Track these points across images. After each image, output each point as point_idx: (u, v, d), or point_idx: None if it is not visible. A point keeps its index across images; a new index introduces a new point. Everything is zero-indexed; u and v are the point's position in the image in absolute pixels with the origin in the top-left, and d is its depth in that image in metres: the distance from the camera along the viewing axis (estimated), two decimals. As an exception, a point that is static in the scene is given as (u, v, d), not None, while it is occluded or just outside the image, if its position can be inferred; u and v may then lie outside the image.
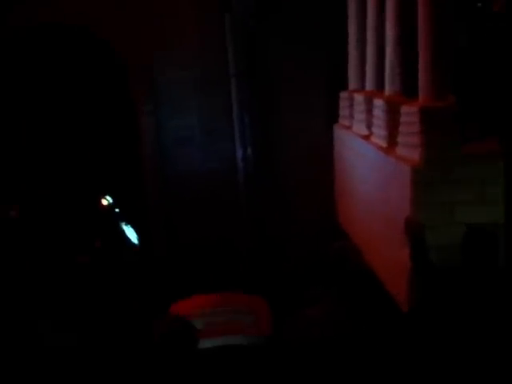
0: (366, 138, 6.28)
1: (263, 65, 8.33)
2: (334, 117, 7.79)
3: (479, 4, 5.65)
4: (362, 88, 6.86)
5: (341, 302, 3.73)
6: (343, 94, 7.49)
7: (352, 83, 7.22)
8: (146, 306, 5.40)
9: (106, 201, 6.14)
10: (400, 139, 5.25)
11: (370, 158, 6.06)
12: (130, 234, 6.19)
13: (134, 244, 6.20)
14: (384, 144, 5.68)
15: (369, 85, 6.48)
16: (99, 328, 4.96)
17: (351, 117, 7.05)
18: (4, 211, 6.26)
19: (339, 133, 7.74)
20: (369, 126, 6.30)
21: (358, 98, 6.68)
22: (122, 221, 6.16)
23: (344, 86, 7.41)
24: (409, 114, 5.09)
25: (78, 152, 7.98)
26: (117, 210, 6.15)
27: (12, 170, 7.68)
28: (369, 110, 6.26)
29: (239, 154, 8.30)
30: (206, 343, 3.65)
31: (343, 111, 7.51)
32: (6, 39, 7.84)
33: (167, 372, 3.42)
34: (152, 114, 8.07)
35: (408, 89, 5.48)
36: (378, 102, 5.88)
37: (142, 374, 3.54)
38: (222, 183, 8.19)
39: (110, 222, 6.09)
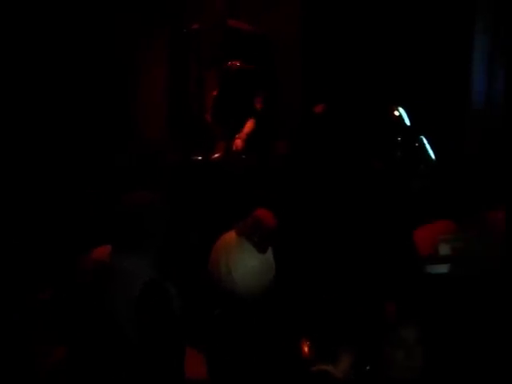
0: None
1: None
2: None
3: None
4: None
5: None
6: None
7: None
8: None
9: (397, 112, 5.74)
10: None
11: None
12: (427, 148, 5.71)
13: (430, 159, 5.71)
14: None
15: None
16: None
17: None
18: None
19: None
20: None
21: None
22: (418, 134, 5.70)
23: None
24: None
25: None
26: (408, 122, 5.70)
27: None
28: None
29: None
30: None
31: None
32: None
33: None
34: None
35: None
36: None
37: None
38: None
39: (400, 133, 5.70)
